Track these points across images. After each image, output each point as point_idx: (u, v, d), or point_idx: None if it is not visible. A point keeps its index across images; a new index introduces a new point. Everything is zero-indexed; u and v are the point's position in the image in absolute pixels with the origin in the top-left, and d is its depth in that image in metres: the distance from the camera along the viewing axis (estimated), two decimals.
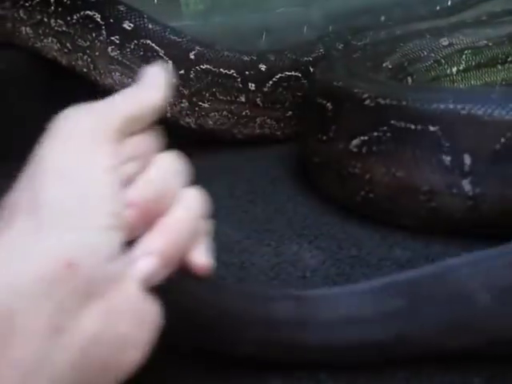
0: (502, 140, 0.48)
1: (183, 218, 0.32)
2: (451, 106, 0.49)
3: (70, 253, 0.27)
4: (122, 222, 0.30)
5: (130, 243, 0.31)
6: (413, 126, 0.50)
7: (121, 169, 0.31)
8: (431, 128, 0.49)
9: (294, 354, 0.37)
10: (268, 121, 0.89)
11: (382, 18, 1.26)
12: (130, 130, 0.33)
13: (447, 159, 0.50)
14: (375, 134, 0.52)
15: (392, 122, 0.51)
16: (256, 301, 0.37)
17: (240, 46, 1.02)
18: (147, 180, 0.32)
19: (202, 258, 0.33)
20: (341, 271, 0.51)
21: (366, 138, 0.53)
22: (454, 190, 0.50)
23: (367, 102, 0.53)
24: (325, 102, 0.60)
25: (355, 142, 0.54)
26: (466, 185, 0.50)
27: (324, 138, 0.59)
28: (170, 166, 0.34)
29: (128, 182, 0.32)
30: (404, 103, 0.51)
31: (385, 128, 0.51)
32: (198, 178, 0.78)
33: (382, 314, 0.35)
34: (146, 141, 0.35)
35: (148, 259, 0.30)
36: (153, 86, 0.36)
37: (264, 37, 1.10)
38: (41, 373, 0.25)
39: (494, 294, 0.34)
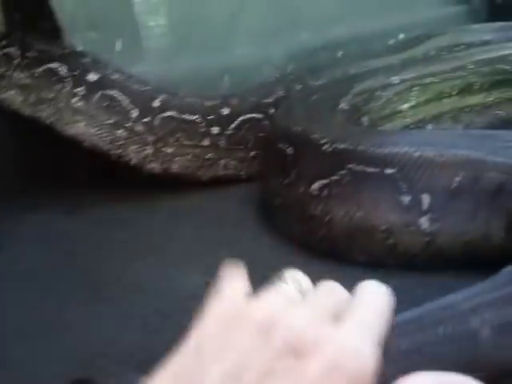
0: (457, 179, 0.50)
1: None
2: (405, 150, 0.50)
3: None
4: None
5: None
6: (370, 170, 0.51)
7: None
8: (387, 171, 0.51)
9: None
10: (232, 162, 0.89)
11: (340, 54, 1.30)
12: None
13: (406, 199, 0.51)
14: (334, 177, 0.53)
15: (350, 165, 0.52)
16: None
17: (203, 87, 1.03)
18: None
19: None
20: None
21: (325, 181, 0.54)
22: (411, 228, 0.52)
23: (325, 147, 0.55)
24: (285, 146, 0.61)
25: (315, 185, 0.55)
26: (425, 222, 0.51)
27: (285, 181, 0.60)
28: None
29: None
30: (360, 148, 0.52)
31: (343, 172, 0.53)
32: (166, 221, 0.78)
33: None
34: None
35: None
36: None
37: (226, 78, 1.12)
38: None
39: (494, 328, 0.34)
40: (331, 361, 0.29)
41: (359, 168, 0.52)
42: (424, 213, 0.51)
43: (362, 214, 0.52)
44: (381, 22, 1.32)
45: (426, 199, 0.51)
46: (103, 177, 0.95)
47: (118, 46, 0.95)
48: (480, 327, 0.33)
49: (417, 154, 0.50)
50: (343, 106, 0.75)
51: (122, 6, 0.96)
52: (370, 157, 0.52)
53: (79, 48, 0.88)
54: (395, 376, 0.32)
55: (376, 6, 1.31)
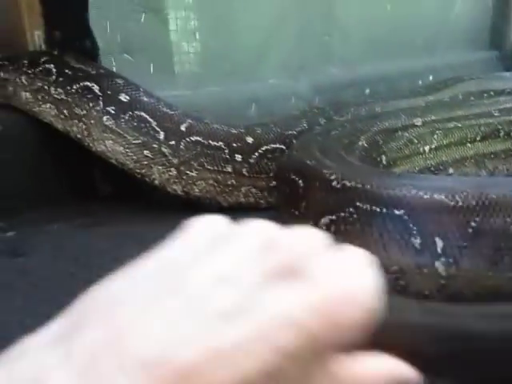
0: (472, 223, 0.49)
1: None
2: (414, 192, 0.49)
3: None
4: None
5: None
6: (378, 209, 0.50)
7: None
8: (396, 212, 0.50)
9: None
10: (253, 190, 0.91)
11: (367, 91, 1.33)
12: None
13: (417, 242, 0.50)
14: (342, 214, 0.53)
15: (358, 203, 0.52)
16: None
17: (231, 115, 1.03)
18: None
19: None
20: None
21: (333, 217, 0.53)
22: (425, 270, 0.50)
23: (334, 183, 0.54)
24: (297, 178, 0.60)
25: (324, 220, 0.54)
26: (440, 266, 0.50)
27: (296, 212, 0.59)
28: None
29: None
30: (368, 187, 0.51)
31: (351, 209, 0.52)
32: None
33: None
34: None
35: None
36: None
37: (253, 107, 1.16)
38: None
39: None
40: (338, 288, 0.27)
41: (367, 207, 0.51)
42: (438, 256, 0.50)
43: (370, 252, 0.53)
44: (411, 62, 1.35)
45: (439, 242, 0.50)
46: (124, 194, 0.97)
47: (151, 69, 0.98)
48: None
49: (427, 196, 0.49)
50: (363, 143, 0.76)
51: (157, 31, 0.99)
52: (378, 196, 0.51)
53: (113, 70, 0.91)
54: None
55: (407, 47, 1.35)
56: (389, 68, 1.34)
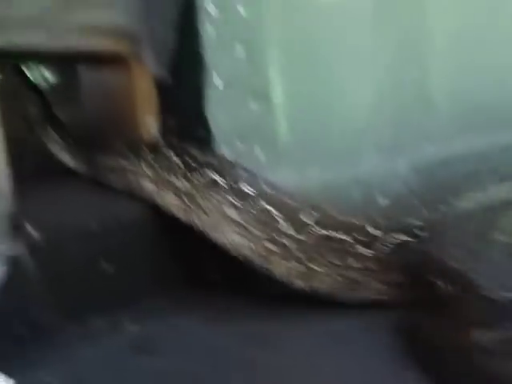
0: None
1: None
2: None
3: None
4: None
5: None
6: None
7: None
8: None
9: None
10: (379, 286, 0.86)
11: (466, 170, 1.26)
12: None
13: None
14: (504, 331, 0.47)
15: None
16: None
17: (335, 200, 1.02)
18: None
19: None
20: None
21: (492, 333, 0.48)
22: None
23: (490, 293, 0.49)
24: (437, 281, 0.56)
25: (478, 334, 0.49)
26: None
27: (437, 318, 0.55)
28: None
29: None
30: None
31: None
32: (308, 347, 0.72)
33: None
34: None
35: None
36: None
37: (355, 189, 1.11)
38: None
39: None
40: None
41: None
42: None
43: None
44: (498, 137, 1.30)
45: None
46: (237, 284, 0.94)
47: (260, 156, 1.01)
48: None
49: None
50: (502, 238, 0.70)
51: (264, 119, 1.02)
52: None
53: (230, 158, 0.92)
54: None
55: (499, 119, 1.31)
56: (484, 142, 1.30)
